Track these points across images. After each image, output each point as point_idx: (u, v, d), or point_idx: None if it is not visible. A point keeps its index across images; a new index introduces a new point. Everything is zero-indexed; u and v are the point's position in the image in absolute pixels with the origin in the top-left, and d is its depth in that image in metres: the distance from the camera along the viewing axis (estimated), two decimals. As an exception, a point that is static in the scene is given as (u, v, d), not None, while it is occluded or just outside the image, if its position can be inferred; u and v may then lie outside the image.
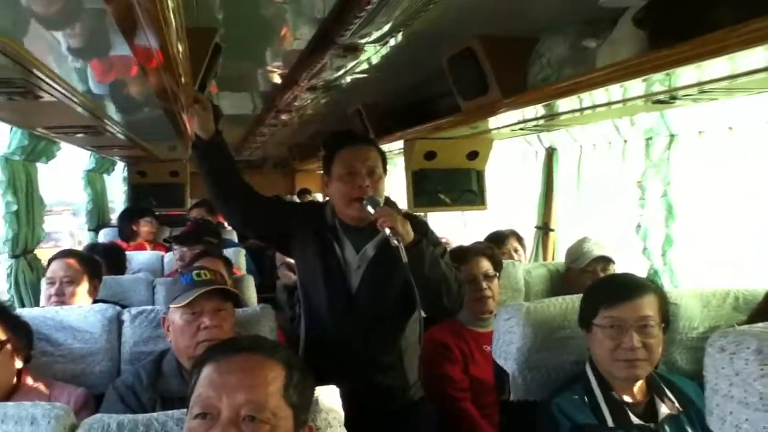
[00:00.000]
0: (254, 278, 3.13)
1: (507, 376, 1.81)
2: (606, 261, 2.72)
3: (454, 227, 5.47)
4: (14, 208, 3.02)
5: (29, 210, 3.13)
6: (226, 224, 4.73)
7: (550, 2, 1.90)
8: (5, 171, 2.97)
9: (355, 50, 2.10)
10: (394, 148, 3.92)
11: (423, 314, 1.85)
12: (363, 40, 1.98)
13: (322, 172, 2.15)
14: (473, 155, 3.44)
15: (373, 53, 2.18)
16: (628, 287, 1.64)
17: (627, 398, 1.61)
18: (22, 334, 1.81)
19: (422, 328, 1.96)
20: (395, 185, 4.52)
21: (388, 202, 2.02)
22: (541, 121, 2.68)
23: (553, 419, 1.60)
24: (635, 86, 1.83)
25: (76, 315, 2.02)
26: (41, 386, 1.81)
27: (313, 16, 1.93)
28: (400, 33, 1.96)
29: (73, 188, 4.99)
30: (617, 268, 2.71)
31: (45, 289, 2.45)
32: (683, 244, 2.72)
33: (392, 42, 2.07)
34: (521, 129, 2.97)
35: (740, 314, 1.83)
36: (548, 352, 1.77)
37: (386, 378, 2.02)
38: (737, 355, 1.00)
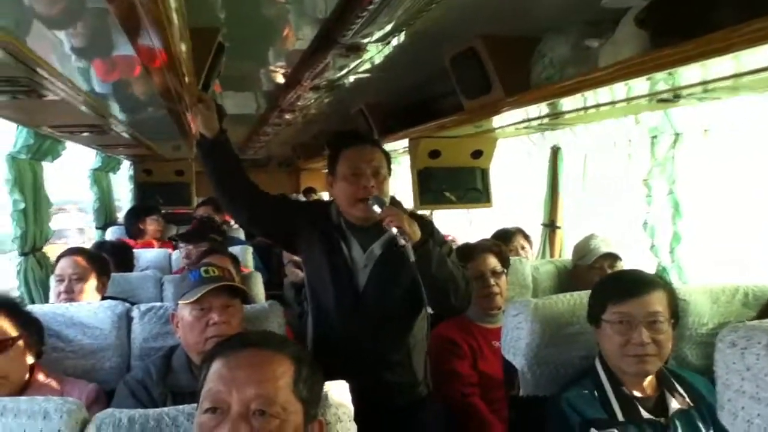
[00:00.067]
0: (262, 276, 3.14)
1: (516, 372, 1.82)
2: (613, 258, 2.72)
3: (460, 225, 5.48)
4: (21, 206, 3.04)
5: (36, 208, 3.15)
6: (233, 222, 4.73)
7: (553, 2, 1.89)
8: (12, 170, 3.00)
9: (357, 50, 2.09)
10: (398, 147, 3.92)
11: (430, 311, 1.85)
12: (365, 40, 1.97)
13: (326, 171, 2.14)
14: (478, 154, 3.45)
15: (375, 53, 2.18)
16: (636, 283, 1.64)
17: (637, 393, 1.61)
18: (33, 330, 1.82)
19: (429, 325, 1.95)
20: (400, 184, 4.53)
21: (394, 202, 2.01)
22: (545, 120, 2.68)
23: (562, 414, 1.60)
24: (639, 85, 1.83)
25: (86, 311, 2.03)
26: (53, 382, 1.82)
27: (316, 15, 1.93)
28: (403, 32, 1.96)
29: (79, 186, 5.01)
30: (624, 265, 2.71)
31: (54, 286, 2.47)
32: (689, 242, 2.71)
33: (395, 41, 2.06)
34: (525, 128, 2.96)
35: (749, 310, 1.83)
36: (557, 347, 1.77)
37: (394, 375, 2.03)
38: (748, 350, 1.00)
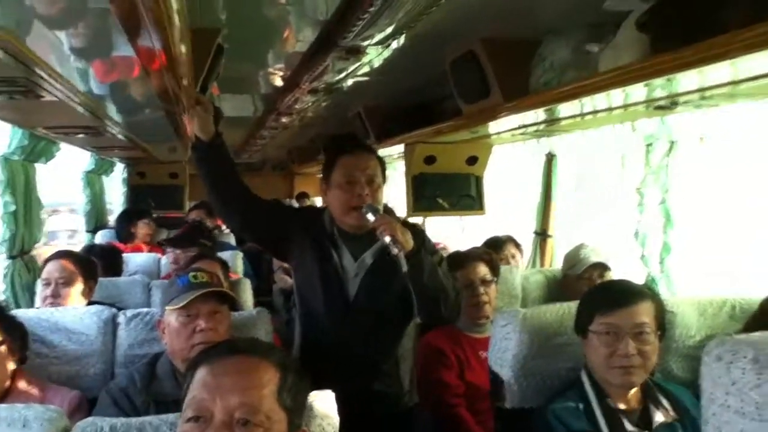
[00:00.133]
0: (251, 282, 3.12)
1: (502, 383, 1.81)
2: (602, 267, 2.72)
3: (452, 232, 5.47)
4: (12, 208, 3.01)
5: (27, 210, 3.12)
6: (224, 227, 4.71)
7: (554, 5, 1.89)
8: (4, 171, 2.97)
9: (357, 52, 2.09)
10: (393, 152, 3.92)
11: (418, 320, 1.85)
12: (365, 43, 1.98)
13: (321, 176, 2.15)
14: (473, 160, 3.45)
15: (375, 56, 2.18)
16: (624, 294, 1.63)
17: (622, 405, 1.60)
18: (17, 335, 1.80)
19: (417, 335, 1.94)
20: (394, 190, 4.53)
21: (387, 210, 2.02)
22: (542, 126, 2.68)
23: (548, 426, 1.60)
24: (637, 91, 1.83)
25: (72, 316, 2.01)
26: (35, 388, 1.80)
27: (316, 17, 1.93)
28: (403, 35, 1.96)
29: (71, 188, 4.98)
30: (614, 275, 2.71)
31: (41, 290, 2.45)
32: (681, 252, 2.72)
33: (394, 44, 2.06)
34: (522, 134, 2.97)
35: (737, 323, 1.83)
36: (544, 359, 1.76)
37: (382, 384, 2.03)
38: (734, 364, 1.00)
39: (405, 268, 1.78)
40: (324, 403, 1.30)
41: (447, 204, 3.48)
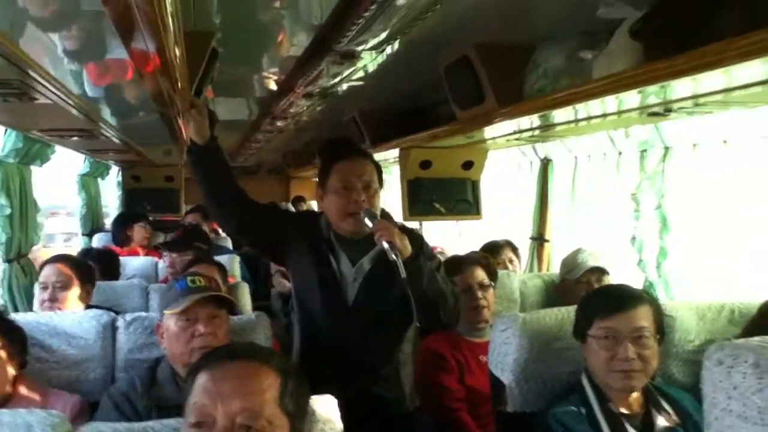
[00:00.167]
0: (249, 286, 3.11)
1: (503, 387, 1.81)
2: (600, 272, 2.72)
3: (449, 237, 5.47)
4: (8, 211, 3.01)
5: (23, 214, 3.11)
6: (220, 231, 4.70)
7: (548, 12, 1.90)
8: (-2, 174, 2.96)
9: (351, 57, 2.09)
10: (389, 156, 3.92)
11: (417, 325, 1.85)
12: (360, 47, 1.98)
13: (316, 180, 2.14)
14: (468, 165, 3.45)
15: (369, 60, 2.18)
16: (622, 298, 1.64)
17: (623, 409, 1.60)
18: (17, 339, 1.79)
19: (417, 339, 1.93)
20: (390, 194, 4.52)
21: (384, 215, 2.01)
22: (537, 132, 2.69)
23: (549, 430, 1.60)
24: (630, 98, 1.83)
25: (71, 321, 2.00)
26: (36, 394, 1.79)
27: (311, 22, 1.93)
28: (397, 40, 1.96)
29: (67, 191, 4.97)
30: (611, 280, 2.71)
31: (38, 294, 2.44)
32: (676, 258, 2.72)
33: (389, 49, 2.07)
34: (516, 139, 2.97)
35: (736, 327, 1.84)
36: (544, 363, 1.77)
37: (382, 389, 2.02)
38: (735, 368, 1.00)
39: (403, 273, 1.77)
40: (326, 407, 1.30)
41: (444, 208, 3.48)
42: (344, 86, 2.68)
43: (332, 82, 2.56)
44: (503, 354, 1.80)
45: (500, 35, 2.12)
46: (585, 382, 1.65)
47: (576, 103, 1.91)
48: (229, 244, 4.83)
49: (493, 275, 2.51)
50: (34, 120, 2.46)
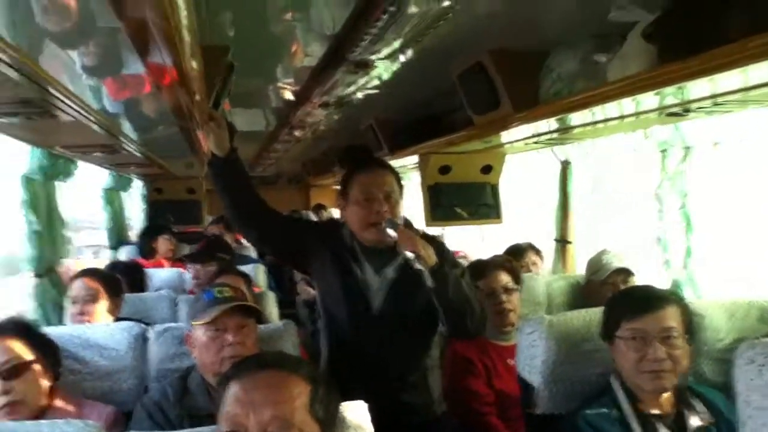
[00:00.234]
0: (274, 295, 3.12)
1: (532, 389, 1.81)
2: (626, 273, 2.70)
3: (472, 241, 5.45)
4: (36, 227, 3.05)
5: (50, 229, 3.16)
6: (244, 241, 4.74)
7: (560, 17, 1.90)
8: (26, 191, 3.01)
9: (366, 66, 2.11)
10: (407, 163, 3.92)
11: (443, 329, 1.84)
12: (374, 57, 1.99)
13: (336, 187, 2.15)
14: (487, 169, 3.44)
15: (384, 69, 2.19)
16: (649, 299, 1.63)
17: (655, 411, 1.59)
18: (50, 352, 1.81)
19: (444, 344, 1.92)
20: (409, 200, 4.52)
21: (407, 224, 2.01)
22: (554, 135, 2.67)
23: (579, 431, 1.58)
24: (647, 99, 1.83)
25: (102, 332, 2.03)
26: (71, 405, 1.81)
27: (324, 33, 1.95)
28: (411, 49, 1.97)
29: (91, 206, 5.05)
30: (637, 280, 2.68)
31: (69, 308, 2.47)
32: (701, 258, 2.68)
33: (403, 58, 2.07)
34: (534, 143, 2.96)
35: (765, 325, 1.82)
36: (573, 365, 1.76)
37: (410, 396, 2.03)
38: (766, 366, 0.98)
39: (430, 283, 1.77)
40: (357, 413, 1.31)
41: (465, 213, 3.47)
42: (360, 95, 2.69)
43: (348, 91, 2.57)
44: (531, 357, 1.80)
45: (513, 41, 2.12)
46: (615, 383, 1.65)
47: (592, 105, 1.91)
48: (252, 253, 4.86)
49: (517, 279, 2.51)
50: (57, 137, 2.50)
